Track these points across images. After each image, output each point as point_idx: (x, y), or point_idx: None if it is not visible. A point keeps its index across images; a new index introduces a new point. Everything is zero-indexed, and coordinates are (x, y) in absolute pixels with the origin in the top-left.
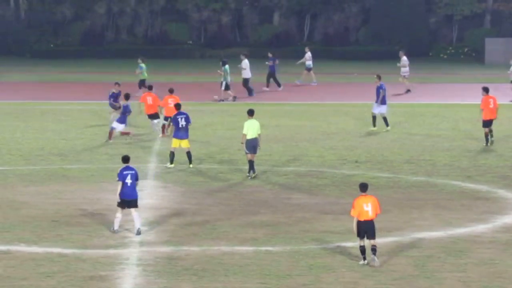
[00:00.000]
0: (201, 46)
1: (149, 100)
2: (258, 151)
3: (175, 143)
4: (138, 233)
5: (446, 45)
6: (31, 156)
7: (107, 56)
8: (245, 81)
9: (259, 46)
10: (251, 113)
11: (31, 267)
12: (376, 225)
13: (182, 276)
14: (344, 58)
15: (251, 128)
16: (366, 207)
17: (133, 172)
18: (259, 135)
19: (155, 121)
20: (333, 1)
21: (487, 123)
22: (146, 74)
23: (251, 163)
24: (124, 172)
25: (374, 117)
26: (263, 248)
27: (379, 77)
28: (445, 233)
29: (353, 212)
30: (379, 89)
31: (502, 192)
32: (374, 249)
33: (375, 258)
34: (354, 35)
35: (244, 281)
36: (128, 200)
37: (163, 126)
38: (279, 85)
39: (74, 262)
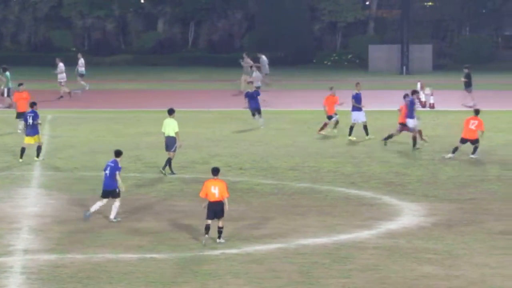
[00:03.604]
0: (85, 53)
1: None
2: (175, 149)
3: (28, 140)
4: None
5: (330, 52)
6: None
7: None
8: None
9: (143, 53)
10: (170, 112)
11: None
12: (261, 232)
13: (66, 284)
14: (228, 65)
15: (166, 127)
16: (213, 190)
17: (112, 164)
18: (176, 133)
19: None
20: (217, 8)
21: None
22: (10, 83)
23: (167, 161)
24: (107, 164)
25: (352, 127)
26: (148, 255)
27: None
28: (329, 239)
29: (201, 193)
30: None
31: (386, 198)
32: (220, 231)
33: (221, 239)
34: (239, 42)
35: None
36: (107, 191)
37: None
38: None
39: None
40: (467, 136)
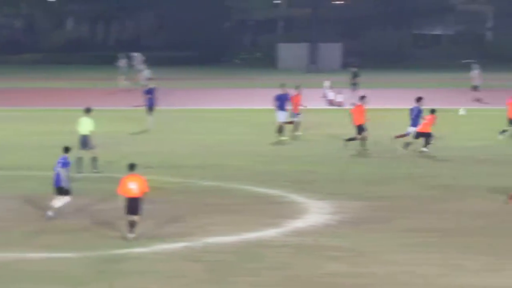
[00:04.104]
0: None
1: None
2: (92, 147)
3: None
4: (47, 216)
5: (239, 51)
6: None
7: None
8: None
9: (52, 51)
10: (87, 110)
11: None
12: (168, 230)
13: None
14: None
15: (82, 125)
16: (131, 185)
17: (62, 161)
18: (90, 132)
19: None
20: (127, 7)
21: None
22: None
23: (92, 159)
24: (57, 161)
25: (281, 126)
26: (56, 255)
27: (283, 85)
28: (237, 237)
29: (118, 190)
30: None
31: (294, 197)
32: (133, 226)
33: (132, 234)
34: (148, 41)
35: None
36: (56, 187)
37: None
38: None
39: None
40: (422, 130)
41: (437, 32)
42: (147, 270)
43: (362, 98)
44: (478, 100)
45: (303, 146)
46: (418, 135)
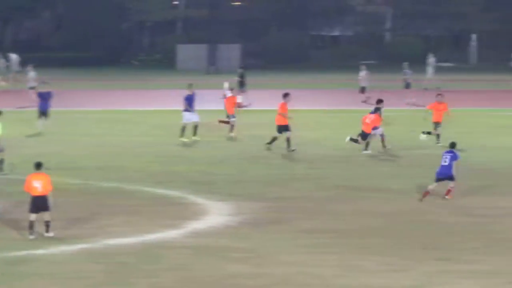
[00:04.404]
0: None
1: None
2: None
3: None
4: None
5: (138, 52)
6: None
7: None
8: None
9: None
10: None
11: None
12: (67, 232)
13: None
14: (38, 65)
15: None
16: (36, 184)
17: None
18: None
19: None
20: (25, 7)
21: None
22: None
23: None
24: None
25: (184, 127)
26: None
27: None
28: (136, 239)
29: (25, 187)
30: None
31: (194, 198)
32: (47, 225)
33: (49, 233)
34: (48, 41)
35: None
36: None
37: None
38: None
39: None
40: (365, 130)
41: (336, 33)
42: (46, 272)
43: (286, 95)
44: (365, 101)
45: (203, 147)
46: (365, 135)
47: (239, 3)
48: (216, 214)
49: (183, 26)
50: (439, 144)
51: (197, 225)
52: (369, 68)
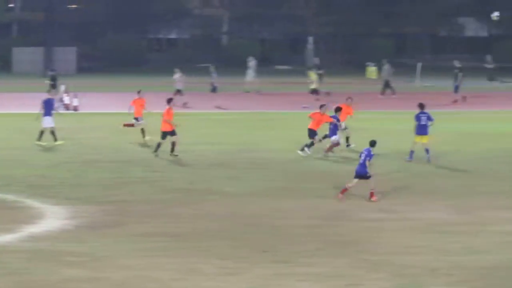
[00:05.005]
0: None
1: None
2: None
3: None
4: None
5: None
6: None
7: None
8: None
9: None
10: None
11: None
12: None
13: None
14: None
15: None
16: None
17: None
18: None
19: None
20: None
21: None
22: None
23: None
24: None
25: (42, 132)
26: None
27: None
28: None
29: None
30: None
31: (29, 202)
32: None
33: None
34: None
35: None
36: None
37: None
38: None
39: None
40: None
41: (173, 36)
42: None
43: (170, 100)
44: (185, 104)
45: (44, 152)
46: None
47: (75, 6)
48: (52, 218)
49: (19, 29)
50: (351, 146)
51: (33, 229)
52: (203, 70)
